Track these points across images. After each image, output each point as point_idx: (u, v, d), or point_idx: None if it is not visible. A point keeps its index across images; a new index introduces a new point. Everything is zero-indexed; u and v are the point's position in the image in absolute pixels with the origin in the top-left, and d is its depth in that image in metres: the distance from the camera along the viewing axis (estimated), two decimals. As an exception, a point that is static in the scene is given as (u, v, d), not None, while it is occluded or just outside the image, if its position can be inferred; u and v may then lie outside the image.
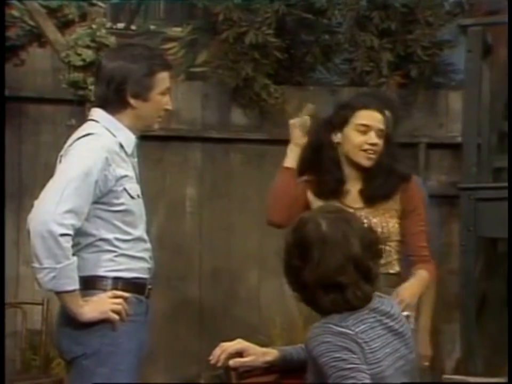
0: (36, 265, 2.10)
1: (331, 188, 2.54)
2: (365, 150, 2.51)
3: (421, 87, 4.51)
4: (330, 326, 1.72)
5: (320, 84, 4.72)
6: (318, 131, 2.61)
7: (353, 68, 4.63)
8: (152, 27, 5.55)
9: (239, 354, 1.86)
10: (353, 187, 2.56)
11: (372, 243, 1.78)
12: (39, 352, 3.96)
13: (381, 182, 2.52)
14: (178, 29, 5.04)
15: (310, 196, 2.59)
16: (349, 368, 1.67)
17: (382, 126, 2.52)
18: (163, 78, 2.24)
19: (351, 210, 2.35)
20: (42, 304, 3.86)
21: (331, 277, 1.74)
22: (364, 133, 2.51)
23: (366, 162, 2.52)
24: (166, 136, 4.25)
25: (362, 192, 2.54)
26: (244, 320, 4.17)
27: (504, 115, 4.21)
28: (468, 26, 4.02)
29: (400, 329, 1.81)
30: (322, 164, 2.55)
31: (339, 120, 2.55)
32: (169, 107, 2.27)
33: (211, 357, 1.85)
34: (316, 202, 2.55)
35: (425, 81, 4.53)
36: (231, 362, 1.84)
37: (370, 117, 2.52)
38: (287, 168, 2.60)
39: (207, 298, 4.39)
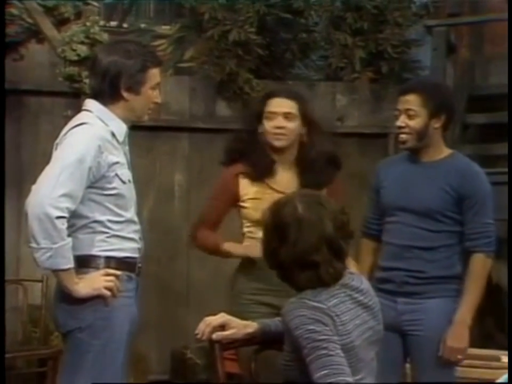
0: (34, 245, 2.09)
1: (263, 170, 2.58)
2: (274, 134, 2.56)
3: (391, 82, 4.51)
4: (305, 300, 1.73)
5: (298, 78, 4.72)
6: (247, 123, 2.66)
7: (328, 64, 4.64)
8: (142, 25, 5.51)
9: (222, 327, 1.86)
10: (285, 173, 2.59)
11: (344, 224, 1.78)
12: (39, 325, 3.95)
13: (321, 170, 2.56)
14: (167, 27, 5.01)
15: (243, 184, 2.60)
16: (322, 339, 1.68)
17: (288, 110, 2.56)
18: (154, 74, 2.24)
19: (283, 194, 2.41)
20: (41, 281, 3.85)
21: (306, 256, 1.75)
22: (271, 119, 2.56)
23: (277, 143, 2.56)
24: (156, 126, 4.23)
25: (301, 179, 2.57)
26: (228, 296, 4.17)
27: (465, 108, 4.23)
28: (433, 26, 4.03)
29: (369, 303, 1.81)
30: (253, 152, 2.58)
31: (257, 112, 2.61)
32: (158, 100, 2.27)
33: (196, 331, 1.85)
34: (250, 189, 2.59)
35: (395, 77, 4.54)
36: (214, 336, 1.83)
37: (277, 104, 2.57)
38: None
39: (194, 275, 4.40)
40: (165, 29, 5.05)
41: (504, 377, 1.71)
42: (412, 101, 2.45)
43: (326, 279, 1.75)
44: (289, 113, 2.56)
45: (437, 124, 2.47)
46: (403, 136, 2.47)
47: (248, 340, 1.88)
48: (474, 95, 4.28)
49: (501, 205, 3.55)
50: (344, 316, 1.74)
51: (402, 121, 2.46)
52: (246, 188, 2.60)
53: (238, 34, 4.33)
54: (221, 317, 1.87)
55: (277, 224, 1.77)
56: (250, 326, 1.87)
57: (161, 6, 5.57)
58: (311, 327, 1.69)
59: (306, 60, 4.81)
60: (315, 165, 2.56)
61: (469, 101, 4.26)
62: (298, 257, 1.75)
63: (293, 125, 2.56)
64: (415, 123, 2.45)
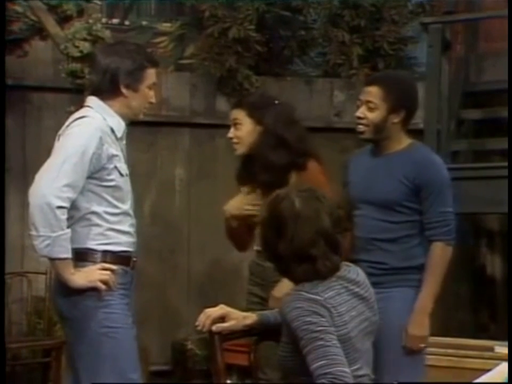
0: (34, 233, 2.10)
1: (237, 174, 2.65)
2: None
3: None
4: (302, 293, 1.73)
5: (296, 74, 4.71)
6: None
7: (326, 61, 4.63)
8: (144, 23, 5.50)
9: (222, 319, 1.85)
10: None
11: (340, 219, 1.78)
12: (43, 316, 3.95)
13: (257, 172, 2.54)
14: (168, 25, 4.99)
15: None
16: (318, 331, 1.68)
17: (233, 117, 2.60)
18: (151, 74, 2.28)
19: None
20: (45, 273, 3.85)
21: (303, 250, 1.74)
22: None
23: (235, 152, 2.63)
24: (157, 122, 4.23)
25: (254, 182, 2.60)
26: (227, 288, 4.18)
27: (460, 104, 4.22)
28: (429, 24, 4.01)
29: (365, 294, 1.81)
30: None
31: None
32: (153, 100, 2.31)
33: (197, 323, 1.85)
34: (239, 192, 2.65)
35: (391, 73, 4.53)
36: (214, 327, 1.83)
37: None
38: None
39: (194, 268, 4.40)
40: (166, 26, 5.04)
41: (505, 377, 1.70)
42: (373, 93, 2.40)
43: (323, 272, 1.75)
44: (234, 120, 2.60)
45: (395, 119, 2.41)
46: (361, 127, 2.43)
47: (248, 331, 1.88)
48: (469, 91, 4.27)
49: (497, 199, 3.55)
50: (341, 307, 1.74)
51: (361, 112, 2.42)
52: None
53: (237, 31, 4.32)
54: (221, 309, 1.86)
55: (275, 219, 1.77)
56: (250, 318, 1.87)
57: (162, 4, 5.56)
58: (308, 318, 1.69)
59: (305, 57, 4.81)
60: (253, 168, 2.55)
61: (464, 97, 4.25)
62: (295, 251, 1.75)
63: (241, 132, 2.58)
64: (373, 116, 2.39)
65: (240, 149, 2.60)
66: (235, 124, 2.60)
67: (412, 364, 2.38)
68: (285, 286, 2.35)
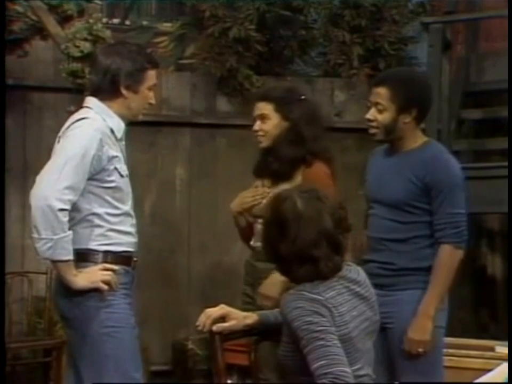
0: (35, 235, 2.11)
1: (255, 167, 2.67)
2: (256, 137, 2.65)
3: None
4: (303, 293, 1.73)
5: (297, 74, 4.71)
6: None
7: (327, 60, 4.63)
8: (144, 22, 5.50)
9: (223, 318, 1.85)
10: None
11: (341, 219, 1.78)
12: (44, 316, 3.96)
13: (270, 164, 2.59)
14: (169, 24, 5.00)
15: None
16: (319, 330, 1.68)
17: (261, 112, 2.61)
18: (151, 75, 2.28)
19: (265, 188, 2.53)
20: (46, 273, 3.85)
21: (306, 251, 1.74)
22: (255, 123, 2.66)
23: (260, 145, 2.63)
24: (158, 121, 4.23)
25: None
26: (228, 288, 4.18)
27: (460, 104, 4.22)
28: (430, 24, 4.02)
29: (366, 294, 1.81)
30: None
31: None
32: (153, 101, 2.31)
33: (197, 323, 1.85)
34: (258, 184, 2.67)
35: (392, 73, 4.52)
36: (215, 327, 1.83)
37: (255, 108, 2.64)
38: None
39: (194, 268, 4.40)
40: (166, 26, 5.04)
41: (505, 377, 1.69)
42: (381, 94, 2.35)
43: (325, 273, 1.75)
44: (261, 114, 2.61)
45: (406, 119, 2.36)
46: (372, 129, 2.40)
47: (248, 331, 1.87)
48: (469, 91, 4.28)
49: (497, 199, 3.55)
50: (342, 307, 1.74)
51: (371, 114, 2.38)
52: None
53: (238, 31, 4.32)
54: (221, 309, 1.86)
55: (277, 220, 1.77)
56: (250, 318, 1.87)
57: (162, 3, 5.57)
58: (309, 318, 1.69)
59: (305, 57, 4.80)
60: (268, 160, 2.58)
61: (464, 97, 4.25)
62: (298, 252, 1.75)
63: (268, 126, 2.60)
64: (383, 118, 2.35)
65: (265, 142, 2.61)
66: (262, 118, 2.60)
67: (430, 369, 2.32)
68: (271, 283, 2.36)
